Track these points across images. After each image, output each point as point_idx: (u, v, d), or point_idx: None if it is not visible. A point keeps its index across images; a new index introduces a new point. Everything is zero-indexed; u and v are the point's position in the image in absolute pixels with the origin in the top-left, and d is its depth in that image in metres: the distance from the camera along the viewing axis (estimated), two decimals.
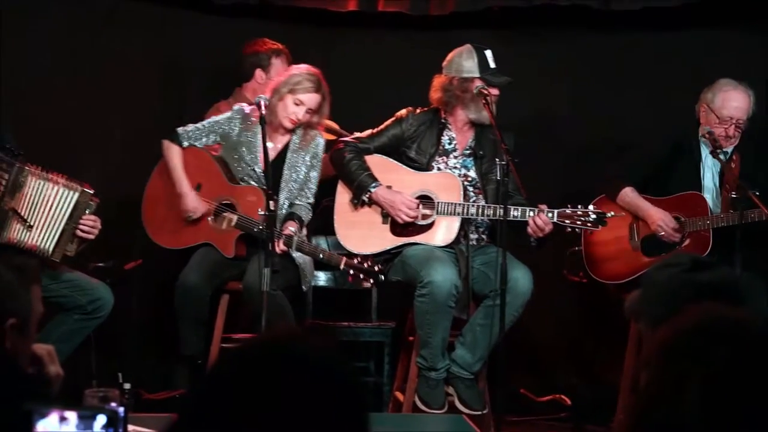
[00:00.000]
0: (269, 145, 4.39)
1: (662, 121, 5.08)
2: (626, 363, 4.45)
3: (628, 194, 4.50)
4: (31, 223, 4.06)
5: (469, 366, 4.31)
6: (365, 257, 4.23)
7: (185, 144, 4.48)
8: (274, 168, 4.35)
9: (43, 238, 4.08)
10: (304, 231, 4.44)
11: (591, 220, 4.22)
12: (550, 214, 4.20)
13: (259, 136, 4.29)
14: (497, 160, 4.16)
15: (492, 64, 4.39)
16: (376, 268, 4.18)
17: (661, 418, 1.36)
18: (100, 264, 4.70)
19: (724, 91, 4.45)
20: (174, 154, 4.46)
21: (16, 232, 4.06)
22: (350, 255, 4.28)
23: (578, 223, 4.22)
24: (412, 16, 5.26)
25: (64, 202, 4.10)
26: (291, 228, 4.28)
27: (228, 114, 4.51)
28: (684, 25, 5.27)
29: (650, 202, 4.49)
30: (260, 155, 4.34)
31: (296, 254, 4.38)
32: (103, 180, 5.04)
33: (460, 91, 4.39)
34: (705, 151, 4.50)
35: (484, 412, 4.31)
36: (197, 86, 5.34)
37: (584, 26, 5.38)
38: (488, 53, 4.41)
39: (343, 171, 4.45)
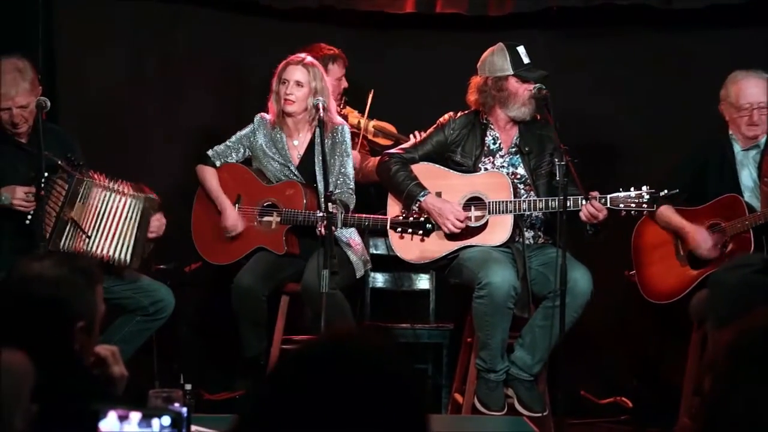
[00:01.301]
0: (294, 143, 4.47)
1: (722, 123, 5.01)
2: (689, 364, 4.38)
3: (664, 213, 4.42)
4: (90, 234, 4.12)
5: (529, 368, 4.28)
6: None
7: (218, 163, 4.57)
8: (306, 163, 4.44)
9: (117, 248, 4.15)
10: (353, 200, 4.50)
11: (645, 200, 4.17)
12: (602, 200, 4.16)
13: (285, 138, 4.48)
14: (556, 160, 4.13)
15: (525, 60, 4.36)
16: (421, 218, 4.18)
17: (727, 422, 1.34)
18: (162, 266, 4.76)
19: (736, 81, 4.39)
20: (209, 175, 4.57)
21: (81, 242, 4.12)
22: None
23: (632, 205, 4.18)
24: (470, 17, 5.25)
25: (132, 212, 4.18)
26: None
27: (250, 126, 4.60)
28: (749, 23, 5.18)
29: (688, 213, 4.41)
30: (291, 156, 4.48)
31: (351, 250, 4.41)
32: (163, 181, 5.12)
33: (496, 91, 4.37)
34: (737, 149, 4.43)
35: (544, 414, 4.28)
36: (255, 89, 5.38)
37: (644, 25, 5.31)
38: (521, 49, 4.38)
39: (391, 183, 4.45)
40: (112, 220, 4.16)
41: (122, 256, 4.15)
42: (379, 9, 5.26)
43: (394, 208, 4.48)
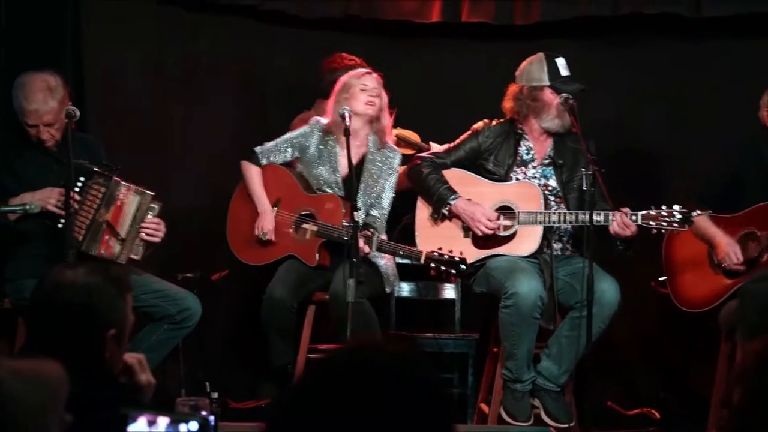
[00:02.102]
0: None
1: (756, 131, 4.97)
2: (717, 375, 4.35)
3: (699, 221, 4.38)
4: (124, 237, 4.15)
5: (555, 378, 4.26)
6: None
7: (263, 162, 4.56)
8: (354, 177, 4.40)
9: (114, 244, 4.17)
10: (384, 236, 4.47)
11: (677, 220, 4.15)
12: (633, 217, 4.14)
13: (337, 147, 4.45)
14: (583, 169, 4.11)
15: (564, 72, 4.34)
16: (457, 258, 4.16)
17: None
18: (188, 274, 4.78)
19: None
20: (253, 174, 4.55)
21: (106, 245, 4.15)
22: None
23: (663, 224, 4.15)
24: (496, 26, 5.24)
25: (131, 207, 4.18)
26: (367, 232, 4.31)
27: (304, 128, 4.58)
28: None
29: (723, 221, 4.37)
30: (341, 166, 4.44)
31: (381, 261, 4.41)
32: (188, 191, 5.15)
33: (530, 100, 4.36)
34: None
35: (571, 425, 4.25)
36: (281, 98, 5.40)
37: (672, 33, 5.29)
38: (560, 61, 4.36)
39: (422, 186, 4.45)
40: (125, 219, 4.18)
41: (114, 250, 4.15)
42: (405, 18, 5.27)
43: (423, 212, 4.47)
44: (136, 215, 4.17)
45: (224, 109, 5.36)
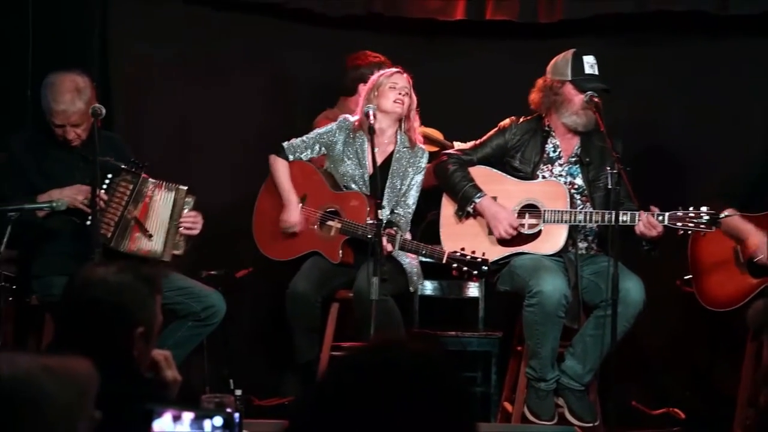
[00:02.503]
0: (375, 150, 4.46)
1: None
2: (743, 375, 4.32)
3: (728, 219, 4.35)
4: (152, 233, 4.18)
5: (580, 377, 4.24)
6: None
7: (291, 158, 4.57)
8: (380, 175, 4.40)
9: (153, 242, 4.20)
10: (408, 235, 4.47)
11: (704, 221, 4.12)
12: (660, 217, 4.12)
13: (365, 145, 4.44)
14: (608, 168, 4.10)
15: (588, 70, 4.32)
16: (479, 259, 4.16)
17: None
18: (213, 272, 4.80)
19: None
20: (281, 167, 4.56)
21: (134, 242, 4.18)
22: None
23: (690, 225, 4.13)
24: (520, 24, 5.23)
25: (166, 204, 4.22)
26: (391, 230, 4.31)
27: (332, 125, 4.59)
28: None
29: (751, 220, 4.34)
30: (368, 162, 4.44)
31: (405, 260, 4.42)
32: (214, 188, 5.17)
33: (553, 94, 4.35)
34: None
35: (596, 424, 4.24)
36: (306, 96, 5.41)
37: (698, 31, 5.25)
38: (588, 59, 4.34)
39: (447, 183, 4.44)
40: (155, 215, 4.21)
41: (156, 248, 4.19)
42: (429, 16, 5.26)
43: (448, 209, 4.47)
44: (173, 211, 4.21)
45: (250, 107, 5.37)
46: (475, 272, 4.17)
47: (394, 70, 4.57)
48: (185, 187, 4.24)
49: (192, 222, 4.25)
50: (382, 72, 4.56)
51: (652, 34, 5.31)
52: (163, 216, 4.22)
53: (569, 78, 4.32)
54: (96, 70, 4.82)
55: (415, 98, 4.55)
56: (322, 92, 5.26)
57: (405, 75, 4.55)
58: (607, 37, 5.29)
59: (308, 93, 5.40)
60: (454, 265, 4.19)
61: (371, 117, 4.25)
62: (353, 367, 1.38)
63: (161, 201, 4.23)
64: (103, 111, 4.05)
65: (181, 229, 4.23)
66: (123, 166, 4.14)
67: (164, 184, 4.24)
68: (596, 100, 4.23)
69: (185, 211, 4.24)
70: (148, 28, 5.23)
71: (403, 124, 4.53)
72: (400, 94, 4.47)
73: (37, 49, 4.91)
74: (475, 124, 4.72)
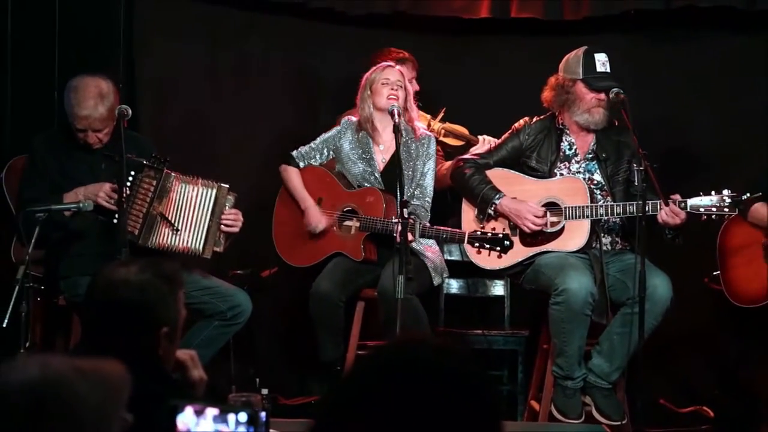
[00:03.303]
0: (381, 147, 4.47)
1: None
2: None
3: (758, 210, 4.32)
4: (178, 227, 4.18)
5: (607, 375, 4.22)
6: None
7: (301, 164, 4.59)
8: (391, 170, 4.42)
9: (192, 239, 4.20)
10: (427, 222, 4.46)
11: (727, 204, 4.09)
12: (682, 204, 4.09)
13: (371, 144, 4.51)
14: (634, 166, 4.07)
15: (600, 68, 4.29)
16: (500, 234, 4.14)
17: None
18: (239, 271, 4.81)
19: None
20: (292, 175, 4.60)
21: (165, 237, 4.18)
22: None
23: (713, 209, 4.09)
24: (545, 21, 5.21)
25: (205, 201, 4.22)
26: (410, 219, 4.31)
27: (337, 128, 4.62)
28: None
29: None
30: (376, 161, 4.51)
31: (427, 255, 4.40)
32: (240, 187, 5.18)
33: (564, 92, 4.33)
34: None
35: (623, 422, 4.21)
36: (330, 94, 5.42)
37: (724, 27, 5.21)
38: (600, 56, 4.30)
39: (465, 187, 4.43)
40: (188, 211, 4.21)
41: (196, 245, 4.19)
42: (453, 14, 5.25)
43: (468, 214, 4.45)
44: (214, 208, 4.21)
45: (275, 106, 5.39)
46: (498, 248, 4.15)
47: (385, 64, 4.58)
48: (227, 185, 4.25)
49: (233, 220, 4.24)
50: (374, 68, 4.57)
51: (678, 31, 5.28)
52: (199, 212, 4.22)
53: (580, 76, 4.29)
54: (121, 70, 4.84)
55: (411, 89, 4.55)
56: (346, 91, 5.26)
57: (397, 68, 4.56)
58: (631, 34, 5.26)
59: (332, 92, 5.41)
60: (476, 244, 4.18)
61: (395, 115, 4.25)
62: (377, 365, 1.38)
63: (197, 197, 4.22)
64: (129, 112, 4.06)
65: (222, 226, 4.23)
66: (145, 162, 4.14)
67: (200, 180, 4.23)
68: (622, 97, 4.20)
69: (226, 208, 4.25)
70: (173, 27, 5.25)
71: (402, 116, 4.49)
72: (392, 89, 4.47)
73: (63, 50, 4.94)
74: (500, 122, 4.71)
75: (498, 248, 4.15)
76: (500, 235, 4.15)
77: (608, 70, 4.30)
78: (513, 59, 5.39)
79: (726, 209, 4.10)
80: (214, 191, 4.23)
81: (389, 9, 5.27)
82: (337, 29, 5.40)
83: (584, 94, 4.30)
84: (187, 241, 4.19)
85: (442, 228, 4.34)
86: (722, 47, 5.26)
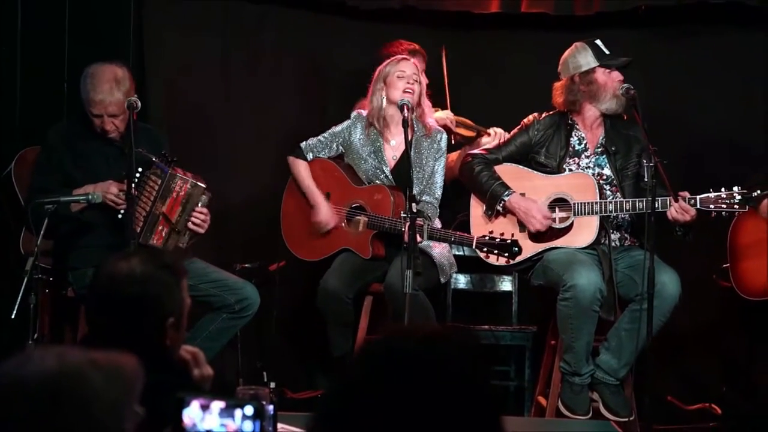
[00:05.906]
0: (392, 143, 4.45)
1: None
2: None
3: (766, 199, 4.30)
4: (179, 228, 4.17)
5: (615, 372, 4.21)
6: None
7: (309, 157, 4.57)
8: (401, 167, 4.41)
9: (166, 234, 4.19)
10: (438, 223, 4.45)
11: (737, 201, 4.07)
12: (692, 201, 4.08)
13: (380, 139, 4.49)
14: (644, 161, 4.06)
15: (606, 51, 4.32)
16: (509, 240, 4.13)
17: None
18: (246, 265, 4.81)
19: None
20: (301, 168, 4.56)
21: (171, 237, 4.18)
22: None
23: (723, 206, 4.08)
24: (555, 17, 5.19)
25: (183, 198, 4.20)
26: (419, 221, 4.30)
27: (347, 122, 4.58)
28: None
29: None
30: (386, 157, 4.48)
31: (435, 251, 4.40)
32: (250, 180, 5.19)
33: (584, 86, 4.31)
34: None
35: (631, 419, 4.21)
36: (341, 88, 5.42)
37: (735, 23, 5.19)
38: (599, 42, 4.34)
39: (474, 183, 4.42)
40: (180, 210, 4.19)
41: (165, 239, 4.15)
42: (464, 9, 5.24)
43: (476, 209, 4.44)
44: (186, 205, 4.18)
45: (287, 99, 5.39)
46: (506, 254, 4.13)
47: (400, 57, 4.53)
48: (203, 185, 4.19)
49: (202, 219, 4.19)
50: (388, 60, 4.51)
51: (688, 27, 5.26)
52: (183, 208, 4.20)
53: (597, 63, 4.30)
54: (131, 63, 4.85)
55: (424, 82, 4.51)
56: (357, 84, 5.26)
57: (412, 61, 4.51)
58: (642, 29, 5.24)
59: (344, 85, 5.40)
60: (485, 249, 4.16)
61: (406, 111, 4.23)
62: (378, 354, 1.38)
63: (177, 191, 4.20)
64: (139, 104, 4.07)
65: (189, 223, 4.20)
66: (153, 159, 4.14)
67: (190, 179, 4.19)
68: (632, 92, 4.20)
69: (198, 206, 4.21)
70: (183, 21, 5.25)
71: (415, 110, 4.46)
72: (408, 82, 4.42)
73: (73, 43, 4.95)
74: (510, 116, 4.70)
75: (506, 254, 4.13)
76: (509, 241, 4.13)
77: (610, 50, 4.33)
78: (523, 54, 5.38)
79: (736, 206, 4.08)
80: (191, 188, 4.18)
81: (400, 4, 5.26)
82: (347, 23, 5.39)
83: (605, 79, 4.30)
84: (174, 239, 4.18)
85: (450, 231, 4.33)
86: (733, 43, 5.24)
